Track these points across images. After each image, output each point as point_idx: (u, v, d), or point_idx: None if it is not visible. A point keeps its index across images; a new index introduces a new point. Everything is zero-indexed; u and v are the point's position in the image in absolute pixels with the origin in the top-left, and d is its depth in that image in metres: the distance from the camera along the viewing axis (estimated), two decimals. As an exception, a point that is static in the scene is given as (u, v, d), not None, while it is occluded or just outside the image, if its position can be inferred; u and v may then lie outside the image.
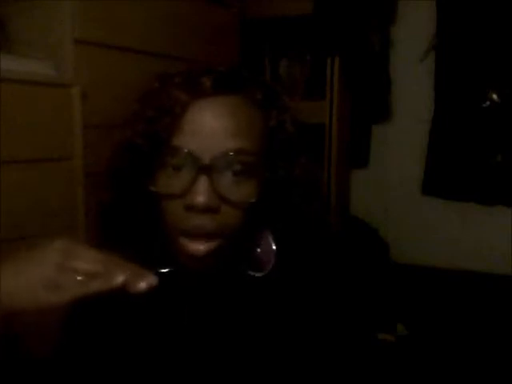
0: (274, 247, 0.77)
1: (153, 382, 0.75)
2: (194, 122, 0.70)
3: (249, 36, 2.05)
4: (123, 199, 0.76)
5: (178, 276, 0.74)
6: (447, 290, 1.94)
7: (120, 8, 1.45)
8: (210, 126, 0.69)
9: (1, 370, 0.62)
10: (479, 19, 1.89)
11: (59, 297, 0.52)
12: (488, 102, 1.90)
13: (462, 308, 1.85)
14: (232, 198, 0.69)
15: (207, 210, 0.68)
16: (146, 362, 0.74)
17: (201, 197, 0.67)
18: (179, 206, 0.69)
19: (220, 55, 1.77)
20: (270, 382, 0.73)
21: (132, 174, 0.74)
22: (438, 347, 1.72)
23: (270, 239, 0.78)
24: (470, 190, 1.98)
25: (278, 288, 0.76)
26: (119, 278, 0.53)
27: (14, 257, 0.56)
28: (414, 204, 2.15)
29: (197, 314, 0.75)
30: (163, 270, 0.73)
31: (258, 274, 0.76)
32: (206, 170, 0.68)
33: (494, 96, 1.89)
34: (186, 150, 0.69)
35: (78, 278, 0.53)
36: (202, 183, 0.67)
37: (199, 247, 0.69)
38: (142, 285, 0.53)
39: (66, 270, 0.54)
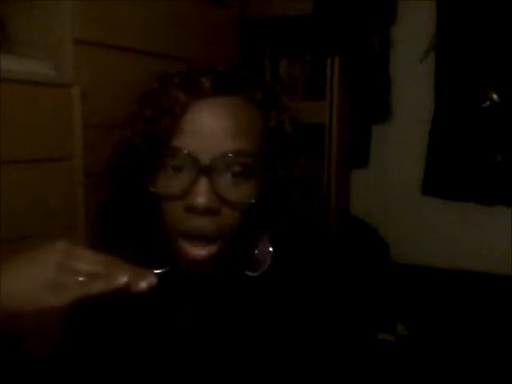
0: (270, 248, 0.77)
1: (153, 382, 0.75)
2: (194, 122, 0.70)
3: (249, 36, 2.05)
4: (123, 199, 0.76)
5: (177, 277, 0.74)
6: (447, 290, 1.94)
7: (120, 8, 1.45)
8: (210, 127, 0.69)
9: (1, 370, 0.62)
10: (479, 19, 1.89)
11: (60, 298, 0.53)
12: (488, 102, 1.90)
13: (462, 308, 1.85)
14: (231, 199, 0.69)
15: (207, 211, 0.67)
16: (145, 362, 0.74)
17: (201, 198, 0.67)
18: (179, 207, 0.69)
19: (220, 55, 1.77)
20: (269, 381, 0.73)
21: (131, 175, 0.74)
22: (438, 347, 1.72)
23: (268, 240, 0.77)
24: (469, 189, 1.98)
25: (275, 287, 0.76)
26: (122, 279, 0.53)
27: (14, 257, 0.56)
28: (414, 204, 2.15)
29: (196, 315, 0.75)
30: (159, 271, 0.73)
31: (253, 274, 0.75)
32: (206, 170, 0.68)
33: (494, 96, 1.89)
34: (185, 151, 0.68)
35: (79, 278, 0.53)
36: (203, 184, 0.67)
37: (200, 252, 0.69)
38: (143, 284, 0.53)
39: (66, 271, 0.54)
